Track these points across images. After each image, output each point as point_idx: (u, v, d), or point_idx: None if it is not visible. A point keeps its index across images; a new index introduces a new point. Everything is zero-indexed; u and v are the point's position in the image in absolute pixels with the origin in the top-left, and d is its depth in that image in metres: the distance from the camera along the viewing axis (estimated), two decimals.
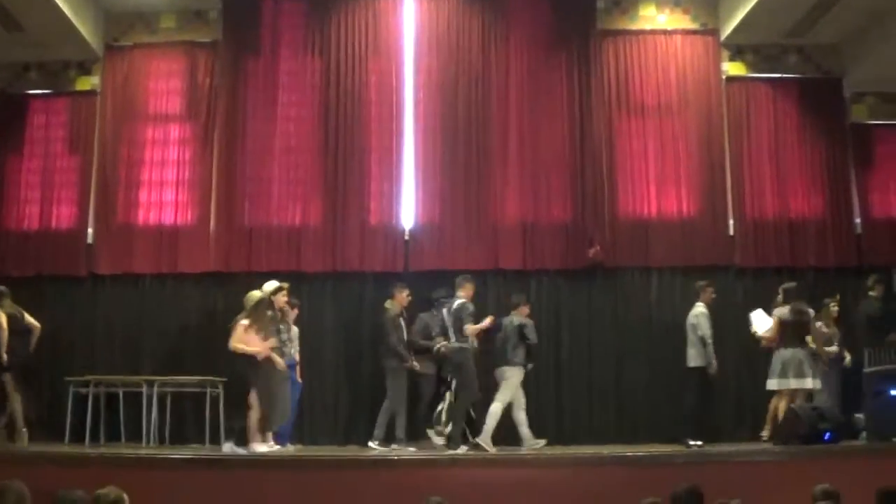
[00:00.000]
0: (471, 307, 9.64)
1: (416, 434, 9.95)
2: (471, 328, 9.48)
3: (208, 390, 10.26)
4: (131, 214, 11.28)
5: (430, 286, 10.69)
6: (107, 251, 11.20)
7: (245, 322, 9.01)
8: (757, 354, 10.25)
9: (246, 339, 8.92)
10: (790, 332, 9.54)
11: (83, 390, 10.25)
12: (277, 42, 11.50)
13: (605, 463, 8.19)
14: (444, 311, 9.82)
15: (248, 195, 11.23)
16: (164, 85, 11.54)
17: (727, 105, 11.46)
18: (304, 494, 7.51)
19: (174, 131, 11.46)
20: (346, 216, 11.12)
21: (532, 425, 9.84)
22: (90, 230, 11.27)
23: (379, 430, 9.74)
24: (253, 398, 8.88)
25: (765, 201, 11.30)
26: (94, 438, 10.09)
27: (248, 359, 8.88)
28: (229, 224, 11.14)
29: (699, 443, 9.35)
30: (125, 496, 4.89)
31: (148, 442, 10.01)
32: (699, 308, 10.05)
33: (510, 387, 9.71)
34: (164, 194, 11.30)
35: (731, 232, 11.24)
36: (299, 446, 9.98)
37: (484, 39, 11.48)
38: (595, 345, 10.99)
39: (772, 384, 9.54)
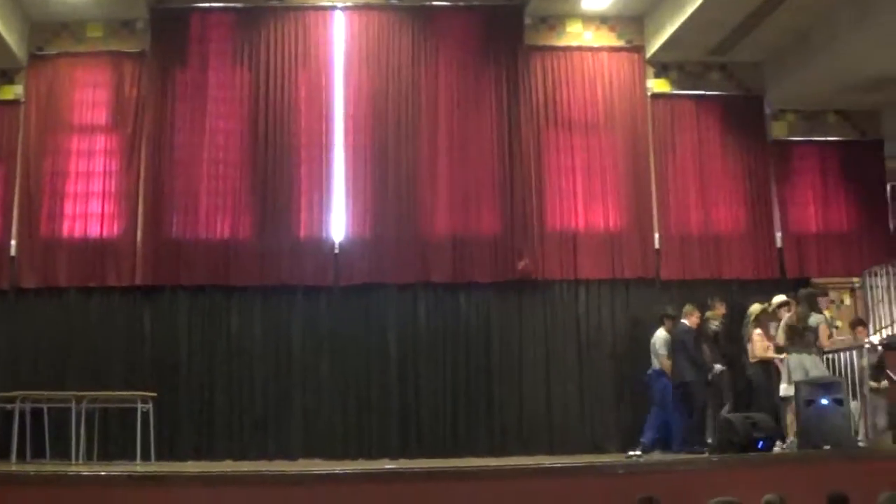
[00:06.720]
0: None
1: None
2: None
3: (139, 406, 10.11)
4: (56, 227, 11.08)
5: (361, 300, 10.77)
6: (30, 264, 10.97)
7: None
8: None
9: None
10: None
11: (8, 406, 9.99)
12: (206, 53, 11.41)
13: (537, 474, 8.25)
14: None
15: (176, 208, 11.12)
16: (90, 95, 11.35)
17: (652, 121, 11.73)
18: None
19: (100, 142, 11.28)
20: (275, 229, 11.09)
21: (465, 437, 10.02)
22: (13, 243, 11.02)
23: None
24: None
25: (689, 216, 11.59)
26: (21, 455, 9.84)
27: None
28: (156, 237, 11.02)
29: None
30: None
31: (76, 459, 9.82)
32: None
33: None
34: (90, 206, 11.12)
35: (657, 245, 11.48)
36: None
37: (414, 53, 11.55)
38: (524, 356, 11.14)
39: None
